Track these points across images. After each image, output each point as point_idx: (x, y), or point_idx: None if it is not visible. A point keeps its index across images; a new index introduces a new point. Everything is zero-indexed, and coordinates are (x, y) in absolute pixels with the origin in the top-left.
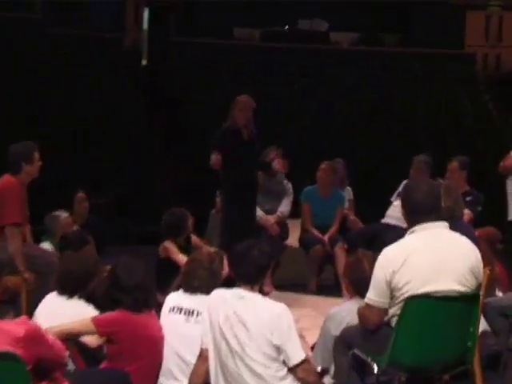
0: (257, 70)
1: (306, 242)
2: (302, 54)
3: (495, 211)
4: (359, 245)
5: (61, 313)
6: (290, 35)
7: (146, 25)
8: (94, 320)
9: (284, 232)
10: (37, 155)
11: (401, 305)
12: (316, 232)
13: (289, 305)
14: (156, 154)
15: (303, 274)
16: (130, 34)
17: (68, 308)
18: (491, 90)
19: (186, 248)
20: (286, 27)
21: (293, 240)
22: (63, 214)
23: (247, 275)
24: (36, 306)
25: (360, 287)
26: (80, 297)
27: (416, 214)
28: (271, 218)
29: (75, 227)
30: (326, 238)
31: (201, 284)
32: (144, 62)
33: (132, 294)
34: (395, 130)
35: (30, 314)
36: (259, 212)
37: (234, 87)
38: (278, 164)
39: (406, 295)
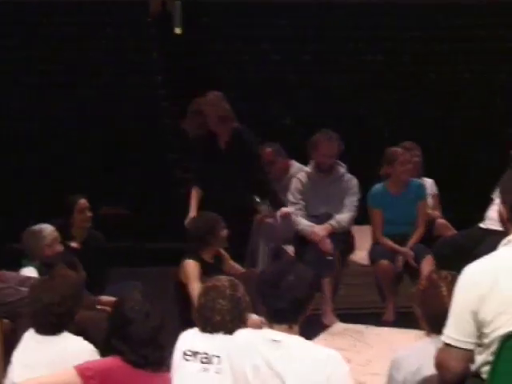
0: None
1: (373, 255)
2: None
3: None
4: (450, 260)
5: (44, 352)
6: None
7: None
8: (80, 369)
9: (347, 244)
10: None
11: (493, 348)
12: (390, 243)
13: (357, 340)
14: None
15: (377, 298)
16: None
17: (53, 346)
18: None
19: (214, 268)
20: None
21: (362, 254)
22: (47, 229)
23: (281, 312)
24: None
25: (438, 323)
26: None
27: None
28: (320, 230)
29: (75, 244)
30: (408, 248)
31: (222, 320)
32: (178, 31)
33: (141, 350)
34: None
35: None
36: (303, 223)
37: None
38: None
39: (501, 332)
